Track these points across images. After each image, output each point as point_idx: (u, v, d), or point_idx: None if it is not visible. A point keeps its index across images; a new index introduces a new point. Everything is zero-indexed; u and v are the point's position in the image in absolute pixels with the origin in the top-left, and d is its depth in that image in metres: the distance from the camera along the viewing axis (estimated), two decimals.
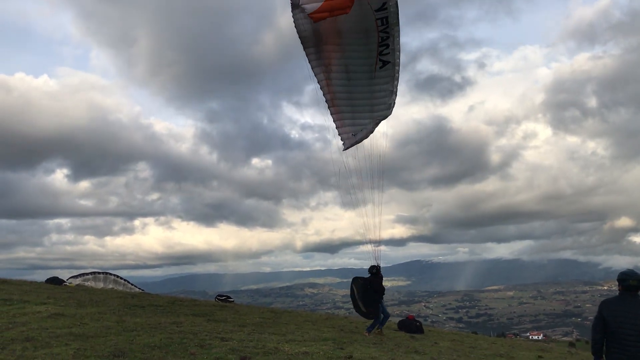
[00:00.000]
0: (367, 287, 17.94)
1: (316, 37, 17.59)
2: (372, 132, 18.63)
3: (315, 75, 18.36)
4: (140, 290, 33.53)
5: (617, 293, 8.52)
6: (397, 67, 17.45)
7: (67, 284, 28.73)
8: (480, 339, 24.98)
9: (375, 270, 17.96)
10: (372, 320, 18.37)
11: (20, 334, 12.01)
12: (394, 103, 18.32)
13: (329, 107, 18.88)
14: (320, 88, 18.57)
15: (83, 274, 32.69)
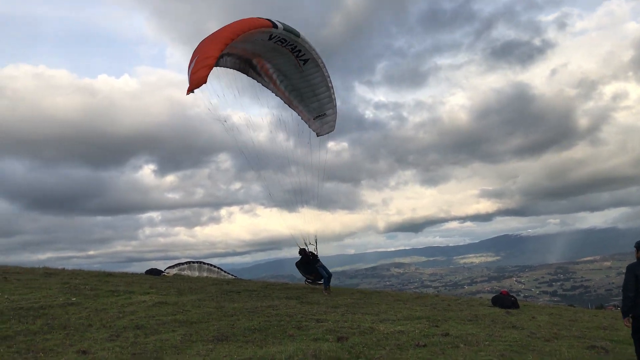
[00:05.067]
0: (303, 262, 23.99)
1: (246, 61, 21.38)
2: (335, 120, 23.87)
3: (266, 87, 22.53)
4: (233, 277, 34.66)
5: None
6: (319, 62, 21.34)
7: (165, 274, 30.09)
8: (580, 311, 24.04)
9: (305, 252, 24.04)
10: (322, 282, 23.57)
11: (130, 322, 12.83)
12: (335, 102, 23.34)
13: (288, 105, 23.31)
14: (275, 94, 22.73)
15: (179, 264, 34.21)
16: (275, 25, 18.29)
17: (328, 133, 24.20)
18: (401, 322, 14.78)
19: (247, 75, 21.78)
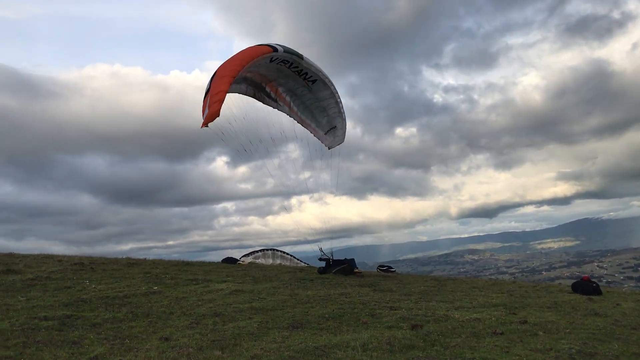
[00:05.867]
0: (340, 268, 24.52)
1: (259, 89, 22.85)
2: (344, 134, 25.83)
3: (281, 110, 24.01)
4: (306, 264, 35.05)
5: None
6: (327, 81, 23.02)
7: (241, 262, 30.86)
8: None
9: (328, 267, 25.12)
10: (352, 269, 24.66)
11: (209, 310, 13.29)
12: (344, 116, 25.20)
13: (301, 124, 25.02)
14: (289, 115, 24.40)
15: (253, 252, 34.96)
16: (275, 49, 20.12)
17: (339, 145, 26.10)
18: (477, 309, 14.50)
19: (263, 103, 23.46)
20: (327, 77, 23.07)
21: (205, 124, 17.05)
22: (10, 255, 23.04)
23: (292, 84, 23.17)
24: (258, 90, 23.01)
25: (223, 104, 17.45)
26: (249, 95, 22.71)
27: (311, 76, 22.57)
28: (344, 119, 25.22)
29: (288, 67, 21.71)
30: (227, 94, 18.12)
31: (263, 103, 23.40)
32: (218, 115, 16.99)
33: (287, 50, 20.62)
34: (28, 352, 9.01)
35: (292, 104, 24.05)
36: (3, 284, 15.65)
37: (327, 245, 26.26)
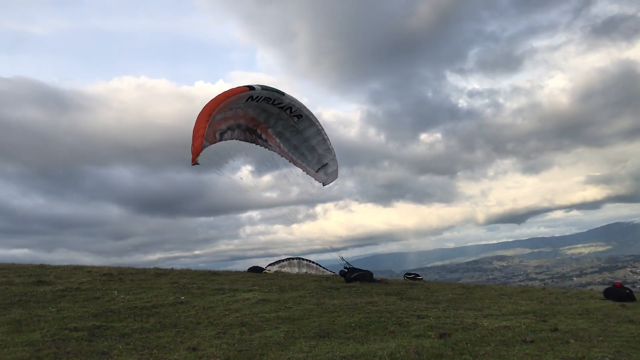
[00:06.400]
0: (358, 274, 24.67)
1: (252, 132, 23.71)
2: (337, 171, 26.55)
3: (273, 151, 24.89)
4: (332, 273, 34.95)
5: None
6: (312, 117, 24.00)
7: (267, 271, 30.94)
8: None
9: (348, 272, 25.15)
10: (374, 279, 24.82)
11: (235, 320, 13.34)
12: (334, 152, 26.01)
13: (293, 164, 25.87)
14: (281, 155, 25.31)
15: (279, 261, 35.03)
16: (252, 88, 20.76)
17: (333, 181, 27.01)
18: (506, 317, 14.29)
19: (257, 145, 24.32)
20: (311, 113, 24.00)
21: (193, 161, 18.41)
22: (41, 267, 23.48)
23: (281, 126, 24.20)
24: (251, 134, 23.93)
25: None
26: (241, 140, 23.61)
27: (296, 110, 23.43)
28: (334, 155, 26.02)
29: (272, 104, 22.60)
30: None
31: (257, 145, 24.35)
32: (201, 149, 18.44)
33: (265, 88, 21.48)
34: None
35: (281, 145, 25.01)
36: (34, 295, 15.94)
37: (347, 254, 26.46)
